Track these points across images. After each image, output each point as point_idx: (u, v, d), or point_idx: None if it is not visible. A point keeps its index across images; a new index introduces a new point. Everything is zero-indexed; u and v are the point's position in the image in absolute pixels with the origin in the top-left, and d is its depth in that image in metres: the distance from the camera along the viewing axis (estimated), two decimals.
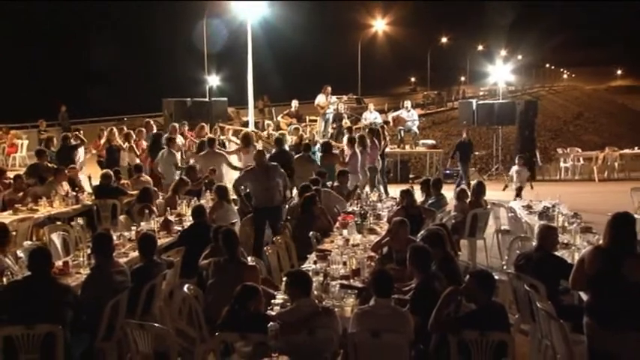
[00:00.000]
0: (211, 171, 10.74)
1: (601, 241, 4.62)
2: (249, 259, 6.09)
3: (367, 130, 14.73)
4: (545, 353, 4.89)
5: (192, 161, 11.52)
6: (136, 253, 6.35)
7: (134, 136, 13.02)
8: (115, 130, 13.52)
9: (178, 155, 11.90)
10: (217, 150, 11.46)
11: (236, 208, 8.85)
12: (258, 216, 8.55)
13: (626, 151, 18.61)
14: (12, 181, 10.09)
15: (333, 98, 17.34)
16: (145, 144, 12.99)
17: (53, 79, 42.18)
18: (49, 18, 47.39)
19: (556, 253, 6.03)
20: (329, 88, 17.22)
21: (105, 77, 44.01)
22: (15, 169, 14.88)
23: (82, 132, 14.06)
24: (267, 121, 17.69)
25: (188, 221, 7.96)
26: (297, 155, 11.27)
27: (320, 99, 17.09)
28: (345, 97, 18.53)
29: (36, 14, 46.17)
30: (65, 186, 10.17)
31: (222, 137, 14.06)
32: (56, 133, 19.59)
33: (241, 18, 19.36)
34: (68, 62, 46.36)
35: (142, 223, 7.83)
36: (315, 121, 17.77)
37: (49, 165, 11.13)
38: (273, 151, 11.33)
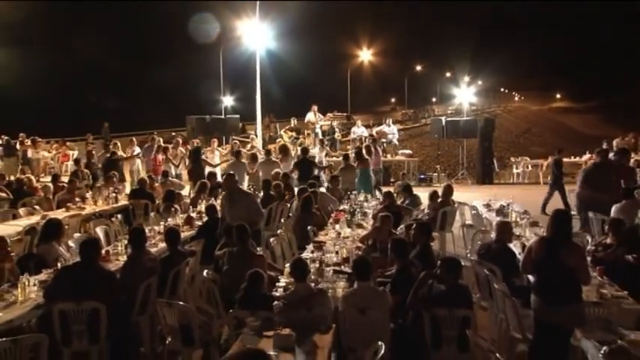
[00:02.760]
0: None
1: (545, 234, 4.64)
2: (258, 249, 6.08)
3: (372, 140, 14.81)
4: (500, 325, 4.91)
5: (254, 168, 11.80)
6: (164, 244, 6.33)
7: (170, 150, 13.09)
8: (118, 143, 13.93)
9: (246, 163, 12.03)
10: (273, 159, 11.88)
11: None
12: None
13: (565, 159, 18.62)
14: (65, 184, 10.15)
15: (320, 115, 17.38)
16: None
17: (98, 100, 42.15)
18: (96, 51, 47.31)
19: (510, 243, 6.06)
20: (315, 107, 17.22)
21: (137, 97, 44.04)
22: (67, 175, 14.91)
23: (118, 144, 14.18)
24: (251, 136, 17.84)
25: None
26: (342, 165, 11.50)
27: (309, 116, 17.10)
28: (330, 115, 18.58)
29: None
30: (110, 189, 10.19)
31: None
32: (99, 145, 19.67)
33: (252, 49, 19.41)
34: (115, 87, 46.19)
35: (169, 219, 7.81)
36: (310, 134, 17.78)
37: (85, 170, 11.31)
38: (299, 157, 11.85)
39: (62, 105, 41.06)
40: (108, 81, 45.26)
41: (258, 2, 18.41)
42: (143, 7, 47.36)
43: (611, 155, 9.04)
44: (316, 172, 11.24)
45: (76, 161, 11.97)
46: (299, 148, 13.92)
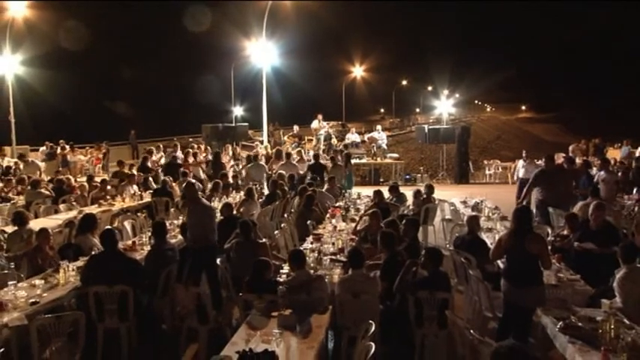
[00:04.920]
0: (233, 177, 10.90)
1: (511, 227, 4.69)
2: (264, 240, 6.07)
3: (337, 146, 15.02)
4: (474, 305, 4.95)
5: (275, 167, 11.76)
6: None
7: (198, 154, 13.10)
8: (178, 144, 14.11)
9: (264, 164, 12.00)
10: (292, 162, 11.77)
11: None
12: (194, 254, 5.47)
13: None
14: (99, 184, 10.17)
15: (324, 123, 17.40)
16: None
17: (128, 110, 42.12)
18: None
19: (482, 235, 6.10)
20: (320, 115, 17.23)
21: (158, 107, 43.97)
22: (100, 176, 14.93)
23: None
24: (257, 142, 17.90)
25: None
26: (333, 164, 11.63)
27: (314, 124, 17.11)
28: (331, 123, 18.61)
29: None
30: (135, 187, 10.16)
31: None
32: (127, 149, 19.67)
33: (259, 66, 19.42)
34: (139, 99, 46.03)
35: None
36: (312, 140, 17.80)
37: (125, 171, 11.34)
38: (312, 161, 11.86)
39: (93, 115, 41.01)
40: (126, 91, 45.22)
41: (264, 26, 18.44)
42: (151, 17, 47.24)
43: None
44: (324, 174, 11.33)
45: (120, 163, 11.95)
46: (311, 152, 14.07)
